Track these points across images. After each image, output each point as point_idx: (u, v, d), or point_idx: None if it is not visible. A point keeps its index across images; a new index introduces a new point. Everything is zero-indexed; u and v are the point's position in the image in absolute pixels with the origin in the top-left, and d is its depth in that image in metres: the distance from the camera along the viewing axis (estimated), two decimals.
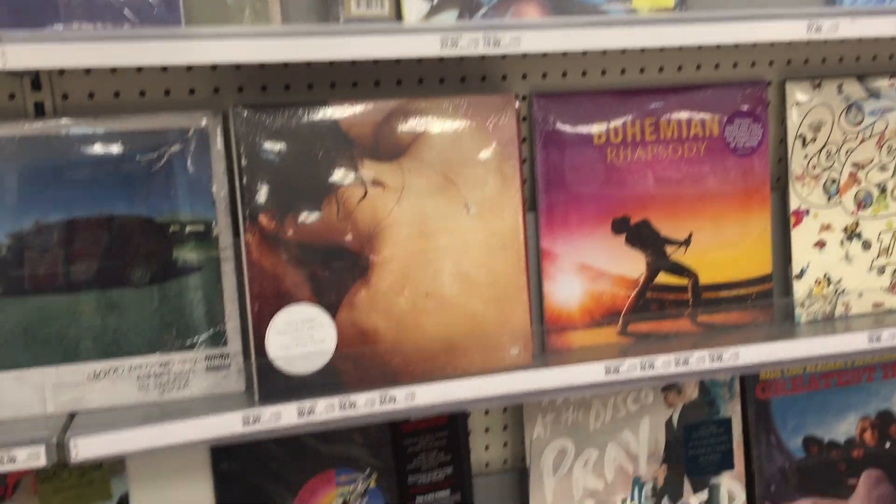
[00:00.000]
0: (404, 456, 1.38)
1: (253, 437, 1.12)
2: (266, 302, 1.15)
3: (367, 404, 1.16)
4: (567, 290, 1.35)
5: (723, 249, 1.39)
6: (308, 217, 1.16)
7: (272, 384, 1.15)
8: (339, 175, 1.17)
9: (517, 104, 1.24)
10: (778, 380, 1.51)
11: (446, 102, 1.22)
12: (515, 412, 1.48)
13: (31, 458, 1.03)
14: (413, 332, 1.21)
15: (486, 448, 1.48)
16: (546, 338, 1.33)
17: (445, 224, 1.22)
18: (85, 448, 1.04)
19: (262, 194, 1.14)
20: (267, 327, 1.15)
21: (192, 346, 1.19)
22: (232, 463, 1.29)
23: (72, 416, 1.13)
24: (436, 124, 1.21)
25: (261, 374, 1.14)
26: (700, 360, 1.27)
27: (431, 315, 1.22)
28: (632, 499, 1.47)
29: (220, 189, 1.18)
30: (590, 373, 1.25)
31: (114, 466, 1.24)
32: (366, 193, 1.18)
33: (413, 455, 1.38)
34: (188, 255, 1.18)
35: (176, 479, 1.27)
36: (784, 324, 1.41)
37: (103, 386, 1.15)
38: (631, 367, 1.25)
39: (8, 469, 1.02)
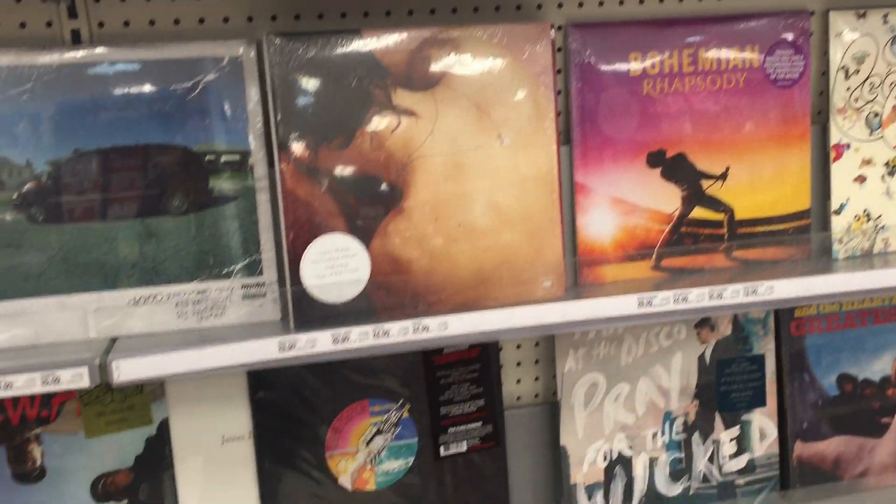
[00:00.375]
0: (437, 387, 1.40)
1: (288, 362, 1.14)
2: (300, 231, 1.16)
3: (400, 333, 1.17)
4: (600, 223, 1.34)
5: (760, 184, 1.37)
6: (342, 147, 1.16)
7: (307, 312, 1.16)
8: (373, 105, 1.17)
9: (552, 34, 1.23)
10: (813, 317, 1.50)
11: (480, 32, 1.20)
12: (547, 346, 1.49)
13: (75, 378, 1.06)
14: (446, 263, 1.22)
15: (518, 382, 1.50)
16: (578, 271, 1.33)
17: (478, 155, 1.21)
18: (126, 370, 1.07)
19: (296, 124, 1.14)
20: (301, 256, 1.16)
21: (228, 275, 1.21)
22: (268, 392, 1.31)
23: (113, 340, 1.16)
24: (469, 54, 1.20)
25: (295, 303, 1.16)
26: (734, 294, 1.26)
27: (464, 246, 1.22)
28: (662, 433, 1.47)
29: (254, 119, 1.19)
30: (622, 305, 1.24)
31: (154, 392, 1.27)
32: (399, 123, 1.18)
33: (445, 387, 1.40)
34: (224, 184, 1.19)
35: (214, 405, 1.30)
36: (821, 259, 1.39)
37: (143, 312, 1.18)
38: (664, 300, 1.25)
39: (52, 389, 1.05)
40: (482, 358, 1.42)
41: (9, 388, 1.04)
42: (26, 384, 1.05)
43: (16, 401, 1.21)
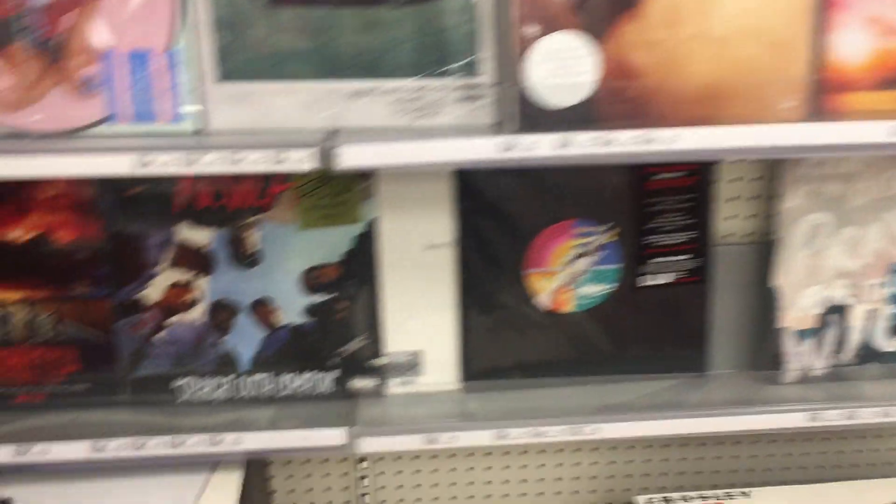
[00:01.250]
0: (645, 215, 1.33)
1: (505, 164, 1.10)
2: (527, 29, 1.09)
3: (625, 143, 1.10)
4: (851, 44, 1.19)
5: None
6: None
7: (528, 114, 1.11)
8: None
9: None
10: None
11: None
12: (767, 182, 1.38)
13: (301, 160, 1.06)
14: (678, 74, 1.12)
15: (732, 217, 1.41)
16: (823, 95, 1.20)
17: None
18: (349, 156, 1.07)
19: None
20: (525, 55, 1.10)
21: (446, 74, 1.17)
22: (473, 202, 1.30)
23: (331, 131, 1.15)
24: None
25: (517, 103, 1.11)
26: None
27: (700, 56, 1.12)
28: (889, 285, 1.36)
29: None
30: (870, 132, 1.12)
31: (363, 192, 1.28)
32: None
33: (655, 214, 1.34)
34: None
35: (420, 210, 1.29)
36: None
37: (361, 105, 1.16)
38: None
39: (278, 169, 1.07)
40: (697, 188, 1.34)
41: (238, 163, 1.06)
42: (254, 162, 1.06)
43: (238, 181, 1.24)
